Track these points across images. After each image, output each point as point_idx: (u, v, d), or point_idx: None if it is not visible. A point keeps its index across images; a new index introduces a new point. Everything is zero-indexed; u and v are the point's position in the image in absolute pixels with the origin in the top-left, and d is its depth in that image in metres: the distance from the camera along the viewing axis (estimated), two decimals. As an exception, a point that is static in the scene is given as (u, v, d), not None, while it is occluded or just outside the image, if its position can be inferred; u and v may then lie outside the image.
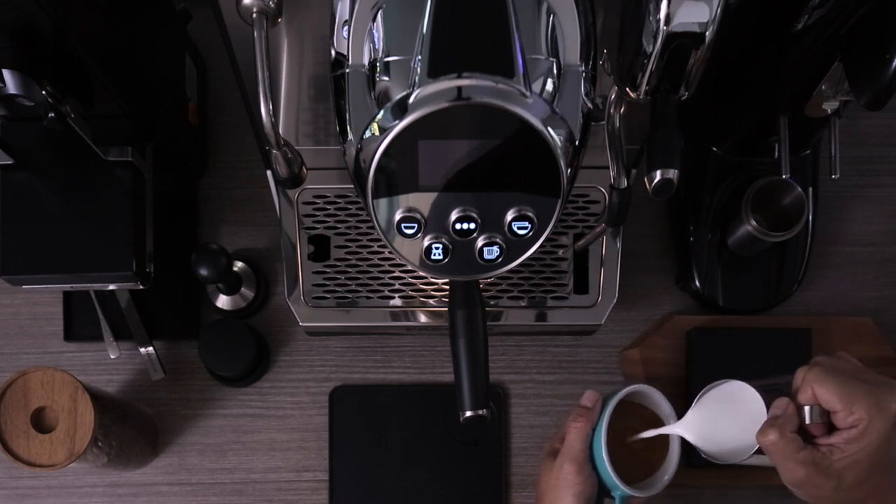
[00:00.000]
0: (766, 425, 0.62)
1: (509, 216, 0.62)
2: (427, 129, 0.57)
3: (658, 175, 0.58)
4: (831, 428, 0.62)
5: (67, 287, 0.81)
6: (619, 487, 0.72)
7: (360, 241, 0.85)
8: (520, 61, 0.57)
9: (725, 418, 0.67)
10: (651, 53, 0.54)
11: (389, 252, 0.84)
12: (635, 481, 0.73)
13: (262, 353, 0.93)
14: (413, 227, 0.63)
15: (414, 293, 0.86)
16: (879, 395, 0.59)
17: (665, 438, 0.74)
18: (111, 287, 0.82)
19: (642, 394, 0.75)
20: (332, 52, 0.63)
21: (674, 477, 0.74)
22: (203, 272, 0.84)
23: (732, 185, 0.92)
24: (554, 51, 0.61)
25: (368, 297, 0.86)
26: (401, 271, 0.86)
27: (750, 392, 0.65)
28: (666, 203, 0.98)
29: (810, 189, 0.93)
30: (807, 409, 0.61)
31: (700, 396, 0.70)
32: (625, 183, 0.66)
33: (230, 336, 0.89)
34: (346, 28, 0.62)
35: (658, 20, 0.52)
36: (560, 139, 0.58)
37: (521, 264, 0.66)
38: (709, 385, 0.69)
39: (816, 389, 0.61)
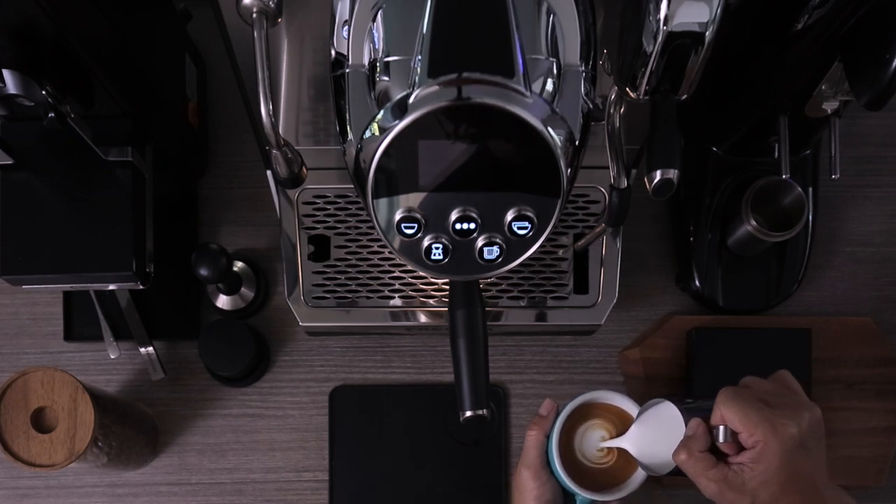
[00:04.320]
0: (679, 445, 0.67)
1: (509, 216, 0.62)
2: (427, 129, 0.57)
3: (658, 175, 0.58)
4: (743, 448, 0.65)
5: (67, 287, 0.81)
6: (575, 491, 0.73)
7: (360, 241, 0.85)
8: (520, 61, 0.57)
9: (657, 435, 0.70)
10: (651, 53, 0.54)
11: (389, 252, 0.84)
12: (609, 486, 0.74)
13: (262, 353, 0.93)
14: (413, 227, 0.63)
15: (414, 293, 0.86)
16: (778, 418, 0.63)
17: None
18: (111, 287, 0.82)
19: (608, 397, 0.75)
20: (332, 52, 0.63)
21: (642, 483, 0.74)
22: (203, 272, 0.84)
23: (732, 185, 0.92)
24: (554, 51, 0.61)
25: (368, 297, 0.86)
26: (401, 271, 0.86)
27: (674, 412, 0.69)
28: (666, 203, 0.98)
29: (810, 189, 0.93)
30: (720, 429, 0.65)
31: (640, 413, 0.72)
32: (625, 183, 0.66)
33: (230, 336, 0.89)
34: (346, 28, 0.62)
35: (658, 20, 0.52)
36: (560, 139, 0.58)
37: (521, 264, 0.66)
38: (647, 402, 0.72)
39: (723, 411, 0.64)
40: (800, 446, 0.63)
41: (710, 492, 0.65)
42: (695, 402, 0.69)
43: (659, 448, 0.70)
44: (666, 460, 0.70)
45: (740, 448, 0.65)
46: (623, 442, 0.72)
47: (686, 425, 0.67)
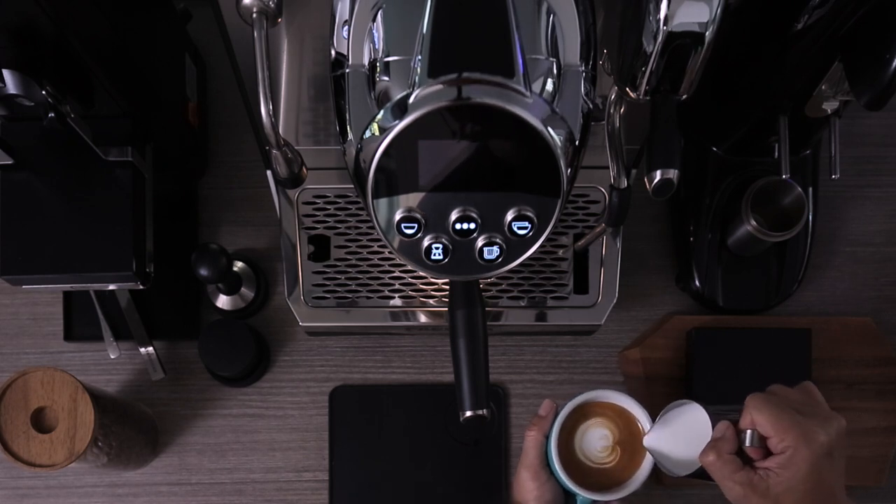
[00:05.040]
0: (707, 446, 0.67)
1: (509, 216, 0.62)
2: (427, 129, 0.57)
3: (658, 175, 0.58)
4: (770, 453, 0.65)
5: (67, 287, 0.81)
6: (574, 491, 0.73)
7: (360, 241, 0.85)
8: (520, 61, 0.57)
9: (681, 436, 0.70)
10: (651, 53, 0.54)
11: (389, 252, 0.84)
12: (611, 486, 0.74)
13: (262, 353, 0.93)
14: (413, 227, 0.63)
15: (414, 293, 0.86)
16: (809, 426, 0.63)
17: (639, 445, 0.75)
18: (111, 287, 0.82)
19: (608, 396, 0.75)
20: (332, 52, 0.63)
21: (644, 483, 0.74)
22: (203, 272, 0.84)
23: (732, 185, 0.92)
24: (554, 51, 0.61)
25: (368, 297, 0.86)
26: (401, 271, 0.86)
27: (702, 414, 0.69)
28: (666, 203, 0.98)
29: (810, 189, 0.93)
30: (747, 433, 0.65)
31: (663, 413, 0.72)
32: (625, 183, 0.66)
33: (230, 336, 0.89)
34: (346, 28, 0.62)
35: (658, 20, 0.52)
36: (560, 139, 0.58)
37: (521, 264, 0.66)
38: (671, 403, 0.72)
39: (754, 415, 0.65)
40: (827, 455, 0.63)
41: (734, 495, 0.65)
42: (717, 407, 0.69)
43: (681, 449, 0.70)
44: (686, 462, 0.70)
45: (766, 453, 0.65)
46: (644, 441, 0.72)
47: (713, 428, 0.68)
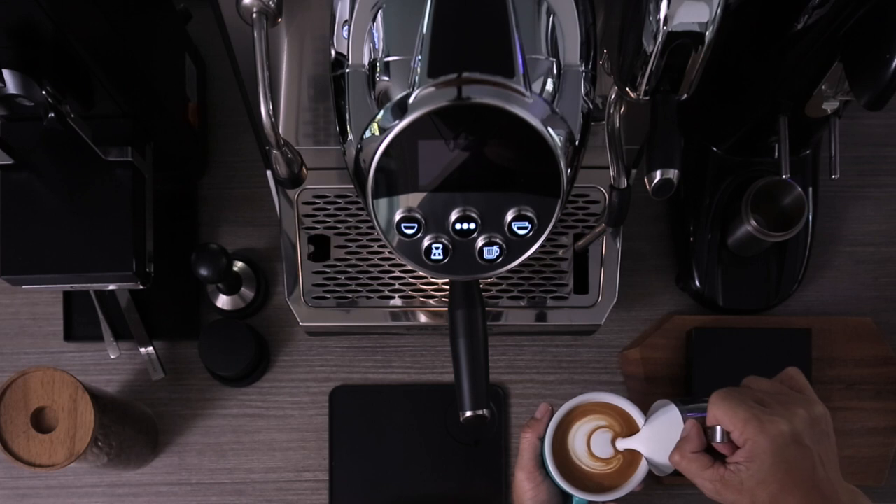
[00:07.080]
0: (675, 446, 0.68)
1: (509, 216, 0.62)
2: (427, 129, 0.57)
3: (658, 175, 0.58)
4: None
5: (67, 287, 0.81)
6: (569, 492, 0.73)
7: (360, 241, 0.85)
8: (520, 61, 0.57)
9: (664, 436, 0.70)
10: (651, 53, 0.54)
11: (389, 252, 0.84)
12: (607, 487, 0.74)
13: (262, 353, 0.93)
14: (413, 227, 0.63)
15: (414, 293, 0.86)
16: (766, 416, 0.63)
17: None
18: (111, 287, 0.82)
19: (603, 397, 0.75)
20: (332, 52, 0.63)
21: (641, 483, 0.74)
22: (203, 272, 0.84)
23: (732, 185, 0.92)
24: (554, 51, 0.61)
25: (368, 297, 0.86)
26: (401, 271, 0.86)
27: (676, 414, 0.69)
28: (666, 203, 0.98)
29: (810, 189, 0.93)
30: (717, 429, 0.65)
31: (650, 414, 0.72)
32: (625, 183, 0.66)
33: (230, 336, 0.89)
34: (346, 28, 0.62)
35: (658, 20, 0.52)
36: (560, 139, 0.58)
37: (521, 264, 0.66)
38: (656, 403, 0.72)
39: (714, 411, 0.65)
40: (793, 443, 0.62)
41: (707, 492, 0.66)
42: (692, 405, 0.69)
43: (665, 449, 0.70)
44: (665, 462, 0.70)
45: (737, 448, 0.65)
46: (633, 443, 0.72)
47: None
